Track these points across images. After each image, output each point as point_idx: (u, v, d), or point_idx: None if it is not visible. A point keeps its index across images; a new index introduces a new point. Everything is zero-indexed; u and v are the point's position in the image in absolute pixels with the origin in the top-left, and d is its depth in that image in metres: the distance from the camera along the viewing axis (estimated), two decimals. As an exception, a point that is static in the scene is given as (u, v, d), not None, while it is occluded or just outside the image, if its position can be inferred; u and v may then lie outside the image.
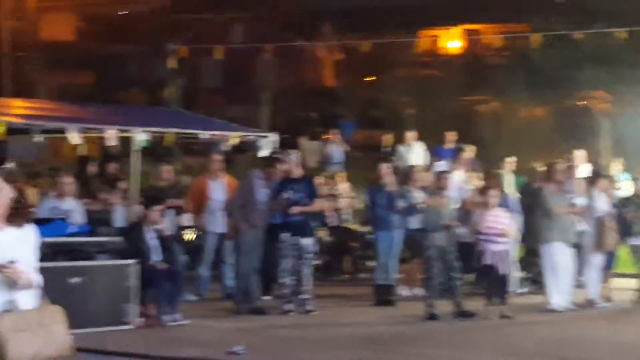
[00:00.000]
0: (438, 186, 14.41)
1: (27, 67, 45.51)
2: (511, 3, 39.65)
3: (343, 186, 19.90)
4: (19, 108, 19.28)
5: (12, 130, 16.93)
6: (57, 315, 6.12)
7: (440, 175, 14.71)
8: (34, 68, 45.69)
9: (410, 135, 22.92)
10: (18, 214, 6.02)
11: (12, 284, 5.91)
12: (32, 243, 6.14)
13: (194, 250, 16.30)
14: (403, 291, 16.25)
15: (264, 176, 14.40)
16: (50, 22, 53.84)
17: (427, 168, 18.40)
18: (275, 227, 14.38)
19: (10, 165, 5.78)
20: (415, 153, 22.16)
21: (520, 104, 34.03)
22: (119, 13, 53.81)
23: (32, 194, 17.97)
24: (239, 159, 24.95)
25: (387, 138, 25.47)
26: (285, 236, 14.23)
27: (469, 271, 15.94)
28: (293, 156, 14.99)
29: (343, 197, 19.62)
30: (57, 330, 6.09)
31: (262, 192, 14.37)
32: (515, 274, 16.02)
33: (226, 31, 48.17)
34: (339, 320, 14.06)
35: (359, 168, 23.92)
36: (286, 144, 19.72)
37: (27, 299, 6.05)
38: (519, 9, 38.22)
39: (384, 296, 15.35)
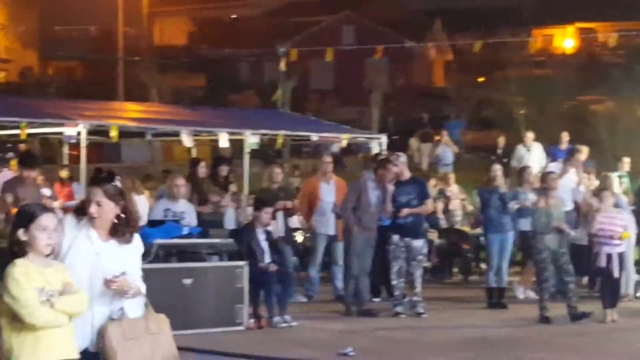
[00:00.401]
0: (546, 187, 14.13)
1: (141, 71, 46.28)
2: (626, 1, 38.89)
3: (454, 188, 19.73)
4: (132, 111, 19.61)
5: (125, 133, 17.22)
6: (163, 323, 6.16)
7: (548, 176, 14.43)
8: (147, 72, 46.44)
9: (530, 136, 22.57)
10: (122, 230, 6.10)
11: (122, 293, 5.99)
12: (137, 253, 6.20)
13: (304, 251, 16.33)
14: (518, 293, 16.02)
15: (376, 178, 14.33)
16: (163, 26, 54.73)
17: (544, 169, 18.09)
18: (385, 229, 14.31)
19: (119, 182, 5.77)
20: (534, 154, 21.81)
21: (635, 103, 33.29)
22: (231, 16, 54.37)
23: (145, 196, 18.26)
24: (349, 161, 24.97)
25: (500, 139, 25.16)
26: (395, 238, 14.15)
27: (583, 274, 15.62)
28: (402, 158, 14.89)
29: (454, 198, 19.43)
30: (164, 338, 6.13)
31: (373, 194, 14.31)
32: (633, 276, 15.65)
33: (336, 33, 48.25)
34: (450, 323, 13.92)
35: (469, 169, 23.71)
36: (396, 146, 19.63)
37: (135, 308, 6.10)
38: (634, 6, 37.45)
39: (496, 299, 15.15)
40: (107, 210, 6.04)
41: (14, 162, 18.67)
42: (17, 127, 16.20)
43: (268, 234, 13.50)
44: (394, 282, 14.22)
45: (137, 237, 6.22)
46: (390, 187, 14.18)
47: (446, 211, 19.17)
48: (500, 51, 38.74)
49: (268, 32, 46.67)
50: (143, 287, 6.16)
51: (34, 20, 54.94)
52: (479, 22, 41.27)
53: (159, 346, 6.08)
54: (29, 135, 17.13)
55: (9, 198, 11.54)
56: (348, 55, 39.60)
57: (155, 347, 6.06)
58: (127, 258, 6.14)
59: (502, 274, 15.18)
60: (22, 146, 22.72)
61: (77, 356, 5.85)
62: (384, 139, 18.26)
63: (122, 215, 6.10)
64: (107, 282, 5.92)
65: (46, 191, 14.65)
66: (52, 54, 50.88)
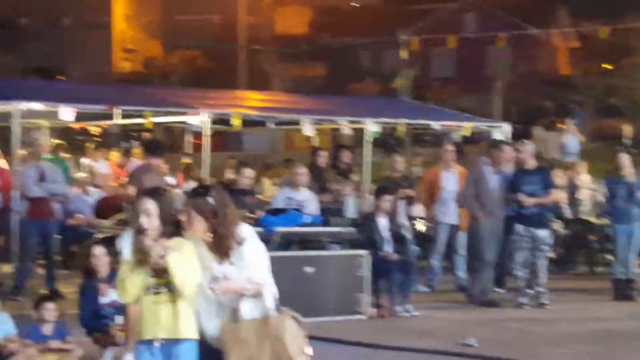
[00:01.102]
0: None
1: (262, 60, 46.64)
2: None
3: (584, 177, 19.29)
4: (254, 100, 19.72)
5: (247, 122, 17.33)
6: (282, 326, 6.09)
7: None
8: (269, 61, 46.78)
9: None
10: (219, 245, 6.06)
11: (238, 295, 5.97)
12: (248, 256, 6.12)
13: (426, 241, 16.19)
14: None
15: (491, 162, 14.12)
16: (284, 15, 55.00)
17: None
18: (509, 218, 14.09)
19: (215, 194, 5.68)
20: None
21: None
22: (352, 4, 54.33)
23: (266, 184, 18.39)
24: (471, 149, 24.68)
25: (627, 128, 24.55)
26: (519, 228, 13.91)
27: None
28: (528, 146, 14.61)
29: (583, 188, 19.00)
30: (282, 340, 6.06)
31: (493, 179, 14.11)
32: None
33: (458, 20, 47.81)
34: (575, 315, 13.62)
35: (594, 159, 23.19)
36: (519, 134, 19.31)
37: (253, 309, 6.06)
38: None
39: (623, 291, 14.77)
40: (199, 228, 6.02)
41: (137, 151, 18.96)
42: (142, 116, 16.45)
43: (390, 222, 13.40)
44: (517, 273, 14.00)
45: (248, 244, 6.14)
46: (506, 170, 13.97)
47: (572, 201, 18.77)
48: (628, 37, 37.80)
49: (389, 20, 46.48)
50: (267, 287, 6.08)
51: (157, 10, 55.89)
52: (605, 8, 40.36)
53: (275, 349, 6.02)
54: (153, 124, 17.38)
55: (132, 189, 11.68)
56: (470, 42, 39.19)
57: (271, 350, 6.01)
58: (235, 264, 6.10)
59: (629, 265, 14.81)
60: (146, 135, 23.10)
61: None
62: (506, 127, 17.98)
63: (218, 230, 6.05)
64: (211, 289, 5.93)
65: (170, 180, 14.84)
66: (176, 43, 51.64)
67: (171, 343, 6.04)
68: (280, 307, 6.14)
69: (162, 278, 6.00)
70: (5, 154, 16.42)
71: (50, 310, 9.12)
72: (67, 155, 18.38)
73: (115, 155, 19.70)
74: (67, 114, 15.17)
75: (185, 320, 6.04)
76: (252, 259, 6.10)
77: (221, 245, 6.05)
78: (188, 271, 5.95)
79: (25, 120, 16.10)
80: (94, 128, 24.20)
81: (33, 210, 13.89)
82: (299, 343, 6.12)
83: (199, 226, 6.03)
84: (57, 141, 18.85)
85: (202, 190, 6.10)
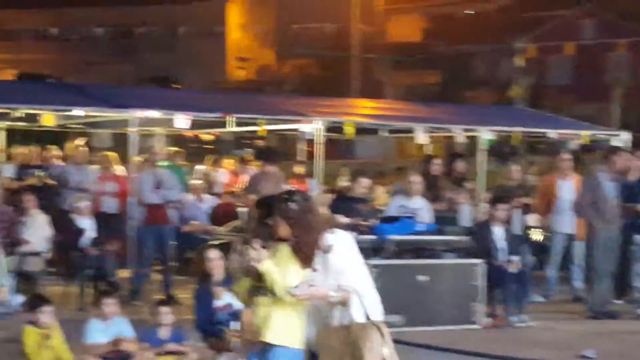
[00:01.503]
0: None
1: (375, 68, 46.60)
2: None
3: None
4: (366, 108, 19.69)
5: (359, 129, 17.30)
6: (364, 335, 6.03)
7: None
8: (381, 69, 46.72)
9: None
10: (301, 251, 6.05)
11: (324, 302, 5.97)
12: (335, 263, 6.06)
13: (541, 250, 15.92)
14: None
15: (607, 169, 13.81)
16: (398, 23, 54.91)
17: None
18: (629, 228, 13.76)
19: (298, 199, 5.65)
20: None
21: None
22: (466, 12, 53.96)
23: (379, 192, 18.31)
24: (588, 158, 24.22)
25: None
26: (638, 238, 13.59)
27: None
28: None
29: None
30: (361, 349, 6.00)
31: (610, 187, 13.79)
32: None
33: (575, 27, 46.99)
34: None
35: None
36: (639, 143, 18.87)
37: (342, 316, 6.02)
38: None
39: None
40: (281, 230, 6.07)
41: (248, 157, 19.10)
42: (256, 124, 16.56)
43: (505, 231, 13.22)
44: (637, 284, 13.66)
45: (336, 248, 6.08)
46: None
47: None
48: None
49: (504, 28, 46.01)
50: (356, 295, 6.01)
51: (271, 19, 56.35)
52: None
53: (354, 357, 5.99)
54: (267, 132, 17.48)
55: (251, 196, 11.78)
56: (587, 49, 38.53)
57: (350, 357, 5.99)
58: (322, 273, 6.07)
59: None
60: (259, 143, 23.26)
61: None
62: (625, 135, 17.60)
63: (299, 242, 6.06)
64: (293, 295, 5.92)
65: (286, 187, 14.88)
66: (289, 52, 51.98)
67: (267, 348, 6.08)
68: (369, 316, 6.05)
69: (260, 282, 6.07)
70: (122, 161, 16.71)
71: (167, 314, 9.22)
72: (183, 163, 18.60)
73: (228, 162, 19.86)
74: (182, 121, 15.37)
75: (278, 327, 6.08)
76: (340, 266, 6.07)
77: (303, 251, 6.06)
78: (280, 276, 6.01)
79: (142, 128, 16.37)
80: (206, 136, 24.54)
81: (149, 216, 14.10)
82: (379, 354, 6.04)
83: (284, 231, 6.08)
84: (174, 148, 19.10)
85: (286, 196, 6.12)
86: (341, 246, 6.12)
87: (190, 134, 22.21)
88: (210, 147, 23.69)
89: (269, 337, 6.10)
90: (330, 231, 6.14)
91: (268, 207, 6.22)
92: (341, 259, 6.09)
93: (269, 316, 6.11)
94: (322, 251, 6.06)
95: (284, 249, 6.14)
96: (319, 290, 5.99)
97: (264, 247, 6.07)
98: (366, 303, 6.03)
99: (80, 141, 17.82)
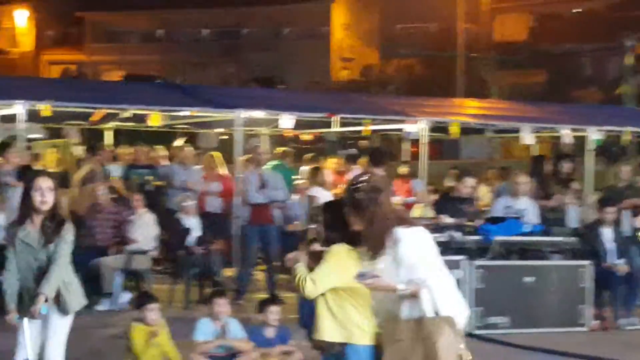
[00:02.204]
0: None
1: (480, 67, 46.18)
2: None
3: None
4: (471, 108, 19.52)
5: (464, 129, 17.17)
6: (437, 330, 5.86)
7: None
8: (487, 68, 46.27)
9: None
10: (369, 242, 6.05)
11: (390, 294, 5.93)
12: (405, 257, 5.96)
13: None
14: None
15: None
16: (503, 22, 54.34)
17: None
18: None
19: (367, 190, 5.69)
20: None
21: None
22: (573, 10, 53.14)
23: (484, 192, 18.12)
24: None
25: None
26: None
27: None
28: None
29: None
30: (435, 344, 5.83)
31: None
32: None
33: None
34: None
35: None
36: None
37: (411, 310, 5.91)
38: None
39: None
40: (352, 221, 6.13)
41: (363, 161, 19.06)
42: (360, 124, 16.56)
43: (615, 233, 12.96)
44: None
45: (405, 242, 5.96)
46: None
47: None
48: None
49: (612, 25, 45.16)
50: (427, 289, 5.88)
51: (376, 19, 56.27)
52: None
53: (427, 352, 5.85)
54: (371, 132, 17.46)
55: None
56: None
57: (422, 352, 5.85)
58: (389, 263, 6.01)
59: None
60: (363, 143, 23.23)
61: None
62: None
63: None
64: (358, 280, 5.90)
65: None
66: (393, 51, 51.86)
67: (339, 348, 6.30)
68: (439, 311, 5.90)
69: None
70: (227, 161, 16.85)
71: (273, 313, 9.25)
72: (289, 163, 18.67)
73: (332, 162, 19.88)
74: (287, 121, 15.44)
75: (323, 322, 6.27)
76: (410, 260, 5.94)
77: (371, 242, 6.04)
78: (318, 274, 6.19)
79: (247, 128, 16.49)
80: (305, 136, 24.63)
81: (254, 216, 14.19)
82: (455, 349, 5.91)
83: (354, 222, 6.10)
84: (282, 148, 19.21)
85: (354, 186, 6.09)
86: (412, 240, 5.99)
87: (290, 134, 22.29)
88: (309, 147, 23.72)
89: (335, 336, 6.23)
90: (402, 224, 6.04)
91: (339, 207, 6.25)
92: (411, 252, 5.95)
93: (331, 314, 6.25)
94: (392, 243, 5.98)
95: (341, 249, 6.22)
96: (383, 281, 5.90)
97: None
98: (437, 298, 5.89)
99: (179, 141, 18.06)
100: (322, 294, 6.26)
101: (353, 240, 6.20)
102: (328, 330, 6.29)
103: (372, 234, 6.02)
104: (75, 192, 15.40)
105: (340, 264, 6.21)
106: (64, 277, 7.26)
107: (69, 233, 7.32)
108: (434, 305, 5.88)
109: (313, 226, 6.67)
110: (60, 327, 7.30)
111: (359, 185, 6.06)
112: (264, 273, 14.58)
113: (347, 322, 6.25)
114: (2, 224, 12.66)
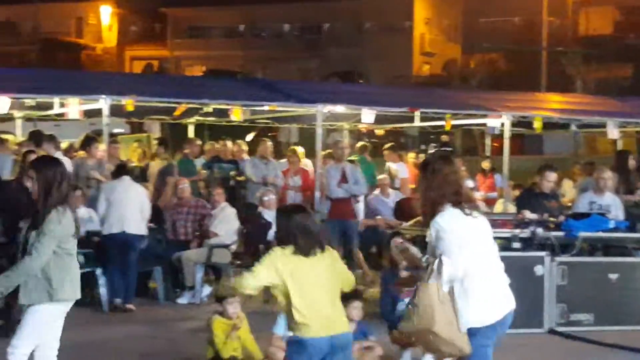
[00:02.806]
0: None
1: (564, 62, 45.61)
2: None
3: None
4: (555, 102, 19.29)
5: (547, 124, 16.96)
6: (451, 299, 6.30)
7: None
8: (571, 62, 45.68)
9: None
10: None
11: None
12: (433, 235, 6.39)
13: None
14: None
15: None
16: (589, 16, 53.61)
17: None
18: None
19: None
20: None
21: None
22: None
23: (567, 187, 17.90)
24: None
25: None
26: None
27: None
28: None
29: None
30: (454, 310, 6.27)
31: None
32: None
33: None
34: None
35: None
36: None
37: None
38: None
39: None
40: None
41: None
42: (441, 119, 16.45)
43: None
44: None
45: (435, 222, 6.31)
46: None
47: None
48: None
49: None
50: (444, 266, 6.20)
51: (458, 13, 55.94)
52: None
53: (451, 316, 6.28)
54: (452, 126, 17.34)
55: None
56: None
57: (450, 314, 6.27)
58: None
59: None
60: (444, 137, 23.12)
61: None
62: None
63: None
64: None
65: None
66: (475, 46, 51.48)
67: None
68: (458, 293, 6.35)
69: None
70: (308, 155, 16.87)
71: (356, 308, 9.22)
72: (369, 157, 18.64)
73: (412, 157, 19.80)
74: (368, 116, 15.41)
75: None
76: (435, 239, 6.29)
77: (422, 209, 6.46)
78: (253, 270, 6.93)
79: (328, 122, 16.48)
80: (379, 131, 24.49)
81: (334, 210, 14.18)
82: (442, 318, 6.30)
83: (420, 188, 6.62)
84: (362, 143, 19.18)
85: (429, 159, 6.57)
86: (453, 220, 6.29)
87: (365, 128, 22.25)
88: (384, 141, 23.63)
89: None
90: (458, 203, 6.33)
91: None
92: (438, 232, 6.27)
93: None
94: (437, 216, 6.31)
95: (279, 250, 6.81)
96: (412, 249, 6.48)
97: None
98: (445, 274, 6.21)
99: (251, 135, 18.08)
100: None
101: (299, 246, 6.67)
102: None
103: (426, 201, 6.39)
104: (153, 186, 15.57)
105: (271, 263, 6.69)
106: (35, 269, 7.07)
107: (50, 224, 7.07)
108: (450, 282, 6.21)
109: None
110: (24, 318, 7.23)
111: (433, 152, 6.39)
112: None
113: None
114: (84, 217, 12.82)
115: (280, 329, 9.14)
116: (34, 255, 7.02)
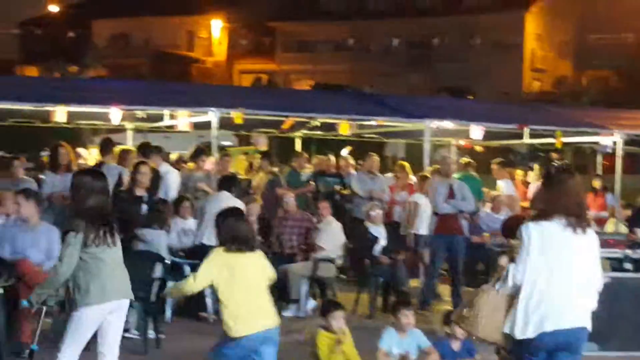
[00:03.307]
0: None
1: None
2: None
3: None
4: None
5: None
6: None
7: None
8: None
9: None
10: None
11: None
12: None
13: None
14: None
15: None
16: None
17: None
18: None
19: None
20: None
21: None
22: None
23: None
24: None
25: None
26: None
27: None
28: None
29: None
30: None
31: None
32: None
33: None
34: None
35: None
36: None
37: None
38: None
39: None
40: None
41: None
42: (552, 136, 16.21)
43: None
44: None
45: (524, 229, 6.45)
46: None
47: None
48: None
49: None
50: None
51: (569, 30, 55.17)
52: None
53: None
54: (562, 144, 17.08)
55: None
56: None
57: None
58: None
59: None
60: (554, 155, 22.75)
61: None
62: None
63: None
64: None
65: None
66: (587, 63, 50.73)
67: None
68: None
69: None
70: (415, 171, 16.78)
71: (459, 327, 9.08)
72: (476, 174, 18.43)
73: (520, 174, 19.53)
74: (477, 132, 15.27)
75: None
76: (524, 243, 6.47)
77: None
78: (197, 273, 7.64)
79: (435, 138, 16.37)
80: (479, 147, 24.18)
81: (441, 226, 14.04)
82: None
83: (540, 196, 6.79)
84: (468, 159, 19.01)
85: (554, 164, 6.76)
86: (528, 227, 6.43)
87: (467, 145, 22.03)
88: (502, 158, 23.35)
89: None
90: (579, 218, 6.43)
91: None
92: (528, 239, 6.39)
93: None
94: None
95: (220, 250, 7.62)
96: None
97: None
98: (509, 279, 6.42)
99: (346, 150, 18.04)
100: None
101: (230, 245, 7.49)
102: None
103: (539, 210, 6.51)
104: (258, 199, 15.63)
105: (215, 263, 7.49)
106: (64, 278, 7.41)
107: (68, 237, 7.42)
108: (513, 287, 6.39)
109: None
110: (69, 322, 7.49)
111: (557, 163, 6.42)
112: (450, 285, 14.40)
113: None
114: (192, 229, 12.94)
115: (385, 343, 9.08)
116: (57, 264, 7.47)
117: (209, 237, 12.66)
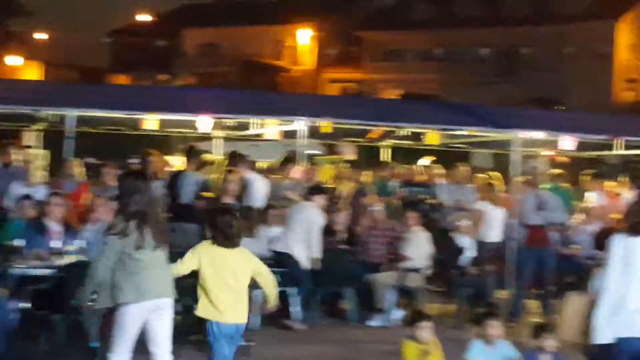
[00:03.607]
0: None
1: None
2: None
3: None
4: None
5: None
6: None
7: None
8: None
9: None
10: None
11: None
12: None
13: None
14: None
15: None
16: None
17: None
18: None
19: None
20: None
21: None
22: None
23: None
24: None
25: None
26: None
27: None
28: None
29: None
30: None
31: None
32: None
33: None
34: None
35: None
36: None
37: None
38: None
39: None
40: None
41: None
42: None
43: None
44: None
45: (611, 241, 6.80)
46: None
47: None
48: None
49: None
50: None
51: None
52: None
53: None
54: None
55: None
56: None
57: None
58: None
59: None
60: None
61: None
62: None
63: None
64: None
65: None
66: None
67: None
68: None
69: None
70: (503, 182, 16.60)
71: (549, 340, 8.95)
72: (566, 185, 18.17)
73: (610, 185, 19.19)
74: (567, 143, 15.06)
75: None
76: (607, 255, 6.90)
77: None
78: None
79: (524, 148, 16.18)
80: (560, 158, 23.85)
81: (530, 238, 13.89)
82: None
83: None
84: (557, 170, 18.75)
85: None
86: (616, 238, 6.78)
87: (554, 156, 21.73)
88: (593, 169, 23.00)
89: None
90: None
91: None
92: (610, 252, 6.78)
93: None
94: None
95: (206, 243, 8.18)
96: None
97: None
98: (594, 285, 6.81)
99: (425, 159, 17.89)
100: None
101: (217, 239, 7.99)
102: None
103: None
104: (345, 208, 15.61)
105: (194, 254, 7.98)
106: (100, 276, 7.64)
107: (104, 236, 7.81)
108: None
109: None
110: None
111: None
112: (538, 297, 14.22)
113: None
114: (278, 237, 12.99)
115: (472, 354, 8.99)
116: (92, 264, 7.81)
117: (296, 245, 12.71)
